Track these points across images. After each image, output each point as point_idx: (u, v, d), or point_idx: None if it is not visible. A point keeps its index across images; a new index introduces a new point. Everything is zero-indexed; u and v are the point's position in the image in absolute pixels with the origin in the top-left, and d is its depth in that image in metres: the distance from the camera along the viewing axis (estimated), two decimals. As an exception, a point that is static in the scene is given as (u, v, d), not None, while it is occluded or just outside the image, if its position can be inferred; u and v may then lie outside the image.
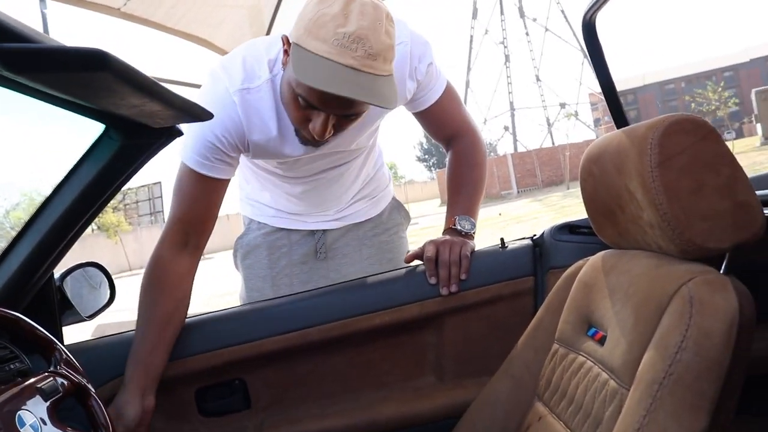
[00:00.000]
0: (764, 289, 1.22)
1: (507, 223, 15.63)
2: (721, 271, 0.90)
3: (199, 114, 1.03)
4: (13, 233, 1.25)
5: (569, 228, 1.46)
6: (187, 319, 1.42)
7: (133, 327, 1.37)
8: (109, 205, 1.34)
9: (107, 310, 1.53)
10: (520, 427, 1.18)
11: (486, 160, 1.65)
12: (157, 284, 1.38)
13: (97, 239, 28.87)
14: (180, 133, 1.14)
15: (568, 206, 16.54)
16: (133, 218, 38.03)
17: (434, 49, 1.50)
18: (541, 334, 1.22)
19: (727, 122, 48.88)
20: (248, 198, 1.86)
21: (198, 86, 3.31)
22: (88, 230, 1.23)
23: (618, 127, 1.45)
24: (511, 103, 65.15)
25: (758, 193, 0.91)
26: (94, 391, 1.01)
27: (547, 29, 67.80)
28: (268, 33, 3.29)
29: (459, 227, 1.48)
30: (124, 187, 1.22)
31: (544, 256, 1.46)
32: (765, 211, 0.89)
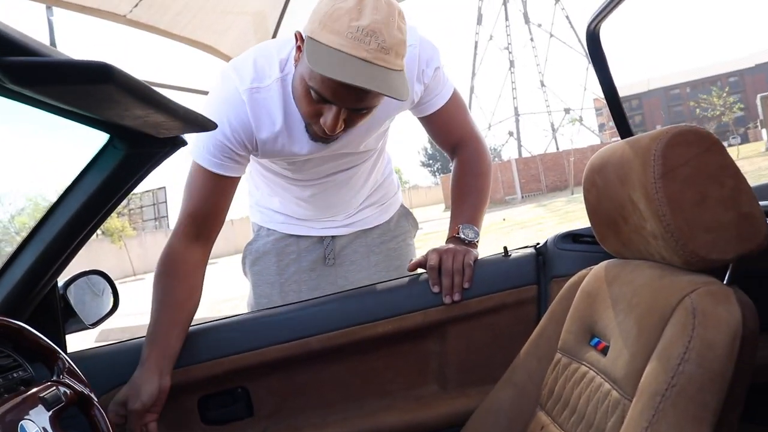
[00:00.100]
0: (766, 299, 1.21)
1: (511, 228, 15.61)
2: (725, 282, 0.90)
3: (203, 124, 1.04)
4: (18, 238, 1.26)
5: (572, 237, 1.46)
6: (189, 328, 1.42)
7: (138, 332, 1.38)
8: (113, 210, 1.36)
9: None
10: None
11: (491, 170, 1.65)
12: (171, 273, 1.41)
13: (102, 244, 28.91)
14: (184, 143, 1.15)
15: (573, 211, 16.50)
16: (137, 223, 38.10)
17: (442, 56, 1.52)
18: (543, 344, 1.22)
19: (732, 127, 48.76)
20: (258, 205, 1.87)
21: (204, 93, 3.33)
22: (93, 235, 1.24)
23: (621, 137, 1.45)
24: (516, 109, 65.11)
25: (762, 203, 0.91)
26: (96, 400, 1.01)
27: (551, 35, 67.82)
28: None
29: (462, 236, 1.48)
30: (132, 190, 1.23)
31: (547, 264, 1.46)
32: None
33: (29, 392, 0.90)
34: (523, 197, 33.62)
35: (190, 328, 1.42)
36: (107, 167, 1.13)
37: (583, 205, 1.16)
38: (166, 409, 1.34)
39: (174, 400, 1.38)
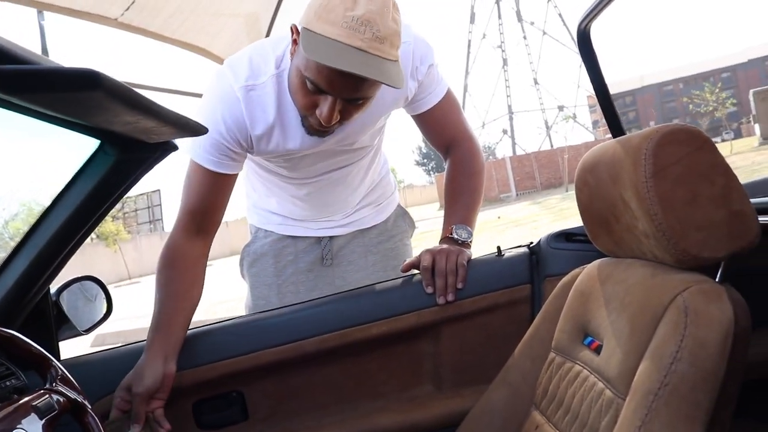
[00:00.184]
0: (759, 294, 1.22)
1: (506, 226, 15.63)
2: (717, 280, 0.90)
3: (194, 129, 1.03)
4: (12, 243, 1.25)
5: (565, 236, 1.46)
6: None
7: (133, 337, 1.38)
8: (108, 213, 1.36)
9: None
10: None
11: (484, 169, 1.65)
12: (172, 265, 1.42)
13: (96, 248, 28.84)
14: (175, 148, 1.14)
15: (567, 209, 16.53)
16: (132, 227, 38.02)
17: (435, 53, 1.53)
18: (537, 343, 1.22)
19: (725, 123, 48.94)
20: (255, 206, 1.88)
21: (197, 95, 3.32)
22: (87, 239, 1.24)
23: (614, 135, 1.46)
24: (510, 107, 65.25)
25: (753, 201, 0.91)
26: (90, 407, 1.00)
27: (544, 33, 68.00)
28: (265, 41, 3.29)
29: (456, 236, 1.48)
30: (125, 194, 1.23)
31: (540, 264, 1.46)
32: (760, 220, 0.90)
33: (21, 401, 0.90)
34: (517, 195, 33.69)
35: None
36: (98, 173, 1.12)
37: (578, 203, 1.16)
38: None
39: (168, 405, 1.37)
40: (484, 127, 74.23)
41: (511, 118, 65.05)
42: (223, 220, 1.54)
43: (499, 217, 18.98)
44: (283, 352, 1.39)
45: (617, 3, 1.31)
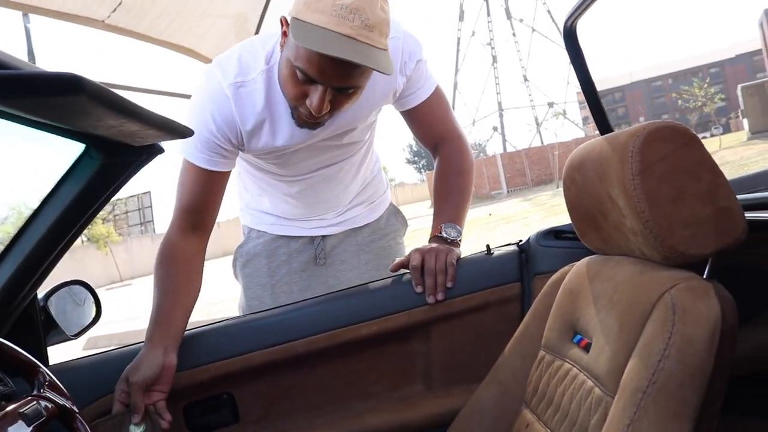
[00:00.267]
0: (746, 290, 1.22)
1: (497, 223, 15.66)
2: (705, 276, 0.90)
3: (179, 131, 1.03)
4: (1, 247, 1.24)
5: (554, 233, 1.46)
6: None
7: (125, 339, 1.38)
8: (98, 215, 1.36)
9: (98, 323, 1.53)
10: None
11: (473, 168, 1.65)
12: (169, 261, 1.42)
13: (87, 251, 28.73)
14: (161, 151, 1.13)
15: (558, 205, 16.58)
16: (122, 229, 37.88)
17: (424, 50, 1.54)
18: (527, 341, 1.22)
19: (714, 118, 49.23)
20: (247, 207, 1.88)
21: (186, 96, 3.30)
22: (78, 242, 1.23)
23: (601, 133, 1.46)
24: (500, 104, 65.35)
25: (739, 197, 0.92)
26: (79, 412, 0.99)
27: (534, 29, 68.15)
28: (253, 42, 3.28)
29: (445, 235, 1.48)
30: (113, 197, 1.23)
31: (530, 261, 1.46)
32: (746, 216, 0.90)
33: (8, 408, 0.89)
34: (508, 192, 33.77)
35: None
36: (84, 177, 1.11)
37: (569, 199, 1.16)
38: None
39: None
40: (475, 125, 74.36)
41: (501, 115, 65.15)
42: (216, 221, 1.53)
43: (490, 214, 19.03)
44: (273, 354, 1.39)
45: (603, 0, 1.31)
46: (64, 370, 1.35)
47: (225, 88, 1.38)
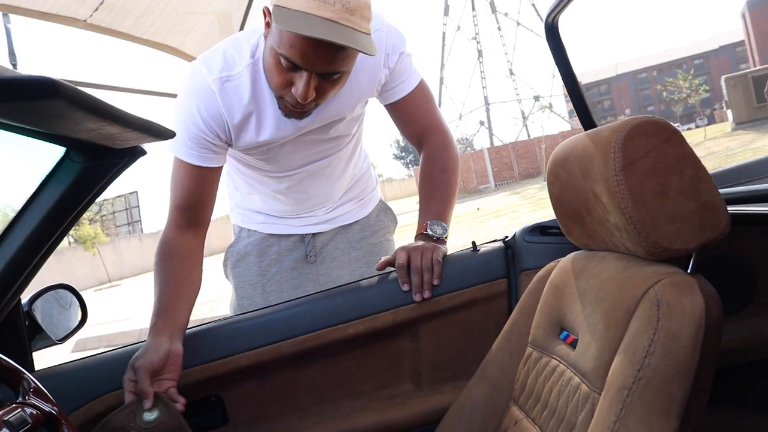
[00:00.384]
0: (730, 283, 1.23)
1: (485, 217, 15.69)
2: (689, 271, 0.91)
3: (160, 133, 1.02)
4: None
5: (540, 229, 1.46)
6: None
7: (114, 341, 1.37)
8: (85, 216, 1.34)
9: (86, 325, 1.52)
10: (497, 431, 1.18)
11: (458, 163, 1.65)
12: (168, 257, 1.42)
13: (75, 252, 28.52)
14: (143, 153, 1.12)
15: (545, 198, 16.53)
16: (110, 229, 37.66)
17: (408, 45, 1.54)
18: (515, 338, 1.22)
19: (698, 109, 49.47)
20: (238, 206, 1.88)
21: (170, 95, 3.28)
22: (65, 243, 1.22)
23: (585, 128, 1.46)
24: (486, 98, 65.45)
25: (721, 191, 0.92)
26: (66, 418, 0.99)
27: (518, 23, 68.23)
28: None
29: (430, 232, 1.48)
30: (100, 198, 1.21)
31: (516, 257, 1.46)
32: (729, 210, 0.90)
33: None
34: (496, 186, 33.84)
35: None
36: (65, 181, 1.10)
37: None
38: None
39: None
40: (462, 119, 74.43)
41: (487, 110, 65.27)
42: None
43: (478, 209, 19.06)
44: (261, 355, 1.39)
45: (584, -3, 1.31)
46: (49, 375, 1.34)
47: (210, 83, 1.39)
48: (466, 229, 12.74)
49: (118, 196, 39.07)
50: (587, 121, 1.48)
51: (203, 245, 1.49)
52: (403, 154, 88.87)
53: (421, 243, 1.44)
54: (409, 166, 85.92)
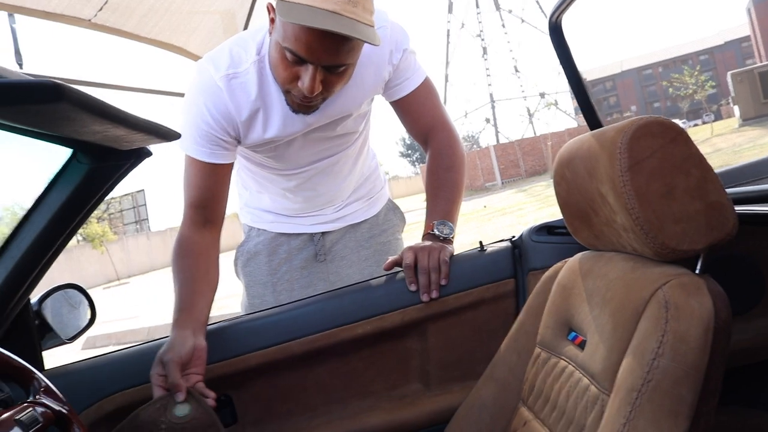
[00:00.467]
0: (739, 283, 1.23)
1: (492, 215, 15.67)
2: (697, 271, 0.90)
3: (165, 134, 1.02)
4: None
5: (547, 229, 1.46)
6: (166, 338, 1.41)
7: (123, 339, 1.37)
8: (93, 215, 1.35)
9: (95, 323, 1.52)
10: (506, 431, 1.18)
11: (464, 161, 1.65)
12: (185, 254, 1.43)
13: (83, 250, 28.65)
14: (149, 154, 1.13)
15: (552, 195, 16.46)
16: (118, 227, 37.81)
17: (412, 43, 1.55)
18: (523, 338, 1.22)
19: (705, 105, 49.23)
20: (247, 206, 1.89)
21: (176, 94, 3.29)
22: (73, 241, 1.23)
23: (590, 128, 1.46)
24: (491, 95, 65.32)
25: (729, 191, 0.92)
26: (76, 417, 0.99)
27: (523, 20, 68.07)
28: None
29: (437, 232, 1.47)
30: (108, 196, 1.22)
31: (523, 257, 1.45)
32: (737, 210, 0.90)
33: (4, 415, 0.88)
34: (502, 183, 33.77)
35: (168, 338, 1.40)
36: (72, 182, 1.11)
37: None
38: None
39: None
40: (467, 117, 74.35)
41: (493, 107, 65.13)
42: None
43: (485, 206, 19.03)
44: (270, 355, 1.39)
45: (589, -5, 1.30)
46: (60, 374, 1.35)
47: (217, 80, 1.40)
48: (473, 227, 12.73)
49: (126, 195, 39.24)
50: (593, 121, 1.47)
51: (219, 242, 1.49)
52: (409, 151, 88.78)
53: (428, 243, 1.44)
54: (416, 164, 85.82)
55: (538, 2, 64.53)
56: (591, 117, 1.47)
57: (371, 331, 1.40)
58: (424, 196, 1.83)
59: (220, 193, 1.49)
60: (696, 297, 0.81)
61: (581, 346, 1.00)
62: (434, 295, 1.39)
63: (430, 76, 1.63)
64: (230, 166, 1.49)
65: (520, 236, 1.49)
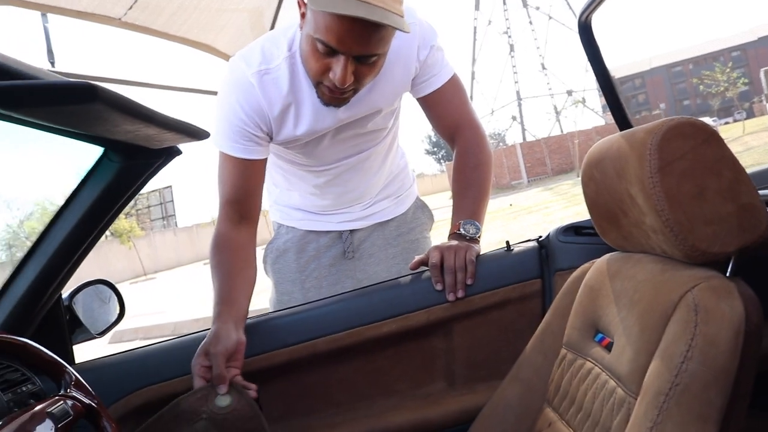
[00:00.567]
0: None
1: (518, 213, 15.59)
2: (728, 274, 0.89)
3: (195, 133, 1.04)
4: (28, 243, 1.26)
5: (574, 229, 1.45)
6: (193, 335, 1.43)
7: (150, 333, 1.39)
8: (121, 211, 1.38)
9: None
10: None
11: (491, 159, 1.64)
12: (222, 249, 1.45)
13: (111, 246, 29.09)
14: (179, 153, 1.15)
15: (579, 194, 16.38)
16: (145, 223, 38.31)
17: (440, 40, 1.56)
18: (549, 339, 1.21)
19: (736, 103, 48.38)
20: (276, 203, 1.91)
21: (206, 92, 3.32)
22: (101, 237, 1.25)
23: (620, 128, 1.44)
24: (518, 93, 64.84)
25: (762, 192, 0.90)
26: (106, 411, 1.01)
27: (550, 17, 67.42)
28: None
29: (463, 232, 1.47)
30: (136, 193, 1.24)
31: (550, 258, 1.44)
32: None
33: (36, 408, 0.90)
34: (529, 181, 33.53)
35: (195, 334, 1.42)
36: (104, 180, 1.13)
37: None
38: None
39: None
40: (493, 114, 73.87)
41: (519, 105, 64.67)
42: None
43: (511, 205, 18.94)
44: (295, 352, 1.40)
45: (619, -6, 1.29)
46: (89, 368, 1.37)
47: (249, 76, 1.42)
48: (499, 225, 12.67)
49: (153, 191, 39.76)
50: (622, 121, 1.46)
51: (255, 238, 1.51)
52: (435, 149, 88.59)
53: (454, 242, 1.44)
54: (441, 161, 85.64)
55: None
56: (620, 117, 1.46)
57: (397, 330, 1.41)
58: (449, 194, 1.82)
59: (255, 188, 1.50)
60: (727, 300, 0.80)
61: (608, 347, 0.99)
62: (460, 294, 1.39)
63: (457, 73, 1.62)
64: (264, 161, 1.51)
65: (547, 236, 1.48)
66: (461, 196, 1.57)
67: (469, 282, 1.39)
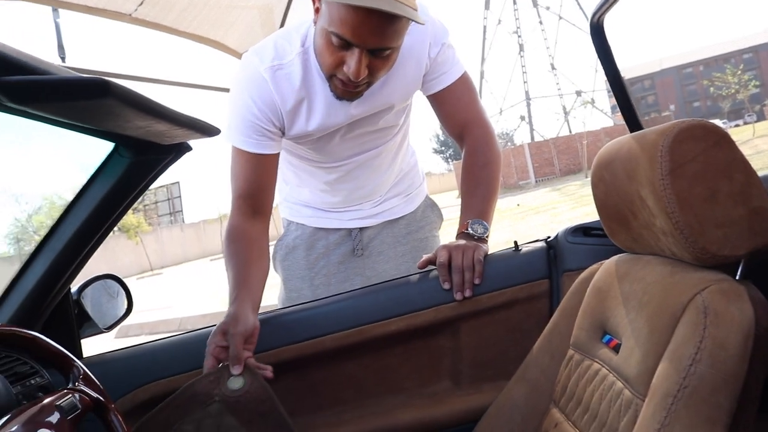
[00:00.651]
0: None
1: (526, 213, 15.56)
2: (738, 277, 0.89)
3: (206, 129, 1.04)
4: (37, 237, 1.27)
5: (583, 230, 1.44)
6: (200, 330, 1.43)
7: (156, 328, 1.39)
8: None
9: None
10: None
11: (499, 158, 1.64)
12: (236, 240, 1.46)
13: (118, 241, 29.21)
14: (189, 149, 1.15)
15: (587, 195, 16.39)
16: (152, 219, 38.44)
17: (450, 38, 1.56)
18: (556, 339, 1.21)
19: (747, 105, 48.11)
20: (287, 200, 1.91)
21: (217, 89, 3.33)
22: (103, 241, 1.25)
23: (630, 129, 1.43)
24: (527, 93, 64.71)
25: None
26: (113, 405, 1.01)
27: (560, 17, 67.22)
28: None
29: (471, 231, 1.47)
30: (142, 192, 1.24)
31: (558, 258, 1.44)
32: None
33: (45, 401, 0.91)
34: (536, 181, 33.44)
35: (200, 331, 1.42)
36: (114, 175, 1.14)
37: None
38: None
39: None
40: (502, 114, 73.73)
41: (528, 104, 64.55)
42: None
43: (518, 205, 18.91)
44: (302, 349, 1.40)
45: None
46: (96, 363, 1.38)
47: (262, 72, 1.43)
48: (506, 225, 12.65)
49: (161, 187, 39.87)
50: (632, 122, 1.45)
51: (268, 232, 1.52)
52: (443, 148, 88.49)
53: (462, 242, 1.44)
54: (449, 160, 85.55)
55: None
56: (631, 118, 1.45)
57: (404, 328, 1.41)
58: (456, 193, 1.82)
59: (268, 183, 1.51)
60: (736, 303, 0.80)
61: (616, 349, 0.99)
62: (467, 293, 1.38)
63: (467, 71, 1.63)
64: (276, 156, 1.52)
65: (556, 237, 1.48)
66: (470, 194, 1.57)
67: (476, 281, 1.39)
